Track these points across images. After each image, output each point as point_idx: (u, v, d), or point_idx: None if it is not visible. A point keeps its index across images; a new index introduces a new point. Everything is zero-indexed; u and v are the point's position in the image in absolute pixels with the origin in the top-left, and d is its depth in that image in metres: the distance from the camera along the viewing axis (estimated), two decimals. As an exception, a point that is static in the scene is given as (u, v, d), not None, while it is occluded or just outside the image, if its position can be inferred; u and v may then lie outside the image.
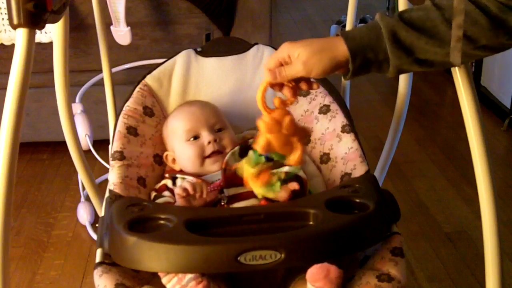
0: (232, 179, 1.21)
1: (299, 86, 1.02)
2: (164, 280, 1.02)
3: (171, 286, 1.00)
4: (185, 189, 1.13)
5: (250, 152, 1.05)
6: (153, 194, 1.25)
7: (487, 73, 2.94)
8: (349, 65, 0.96)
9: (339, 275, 0.97)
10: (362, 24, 0.99)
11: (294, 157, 1.00)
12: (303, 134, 1.03)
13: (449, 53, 0.93)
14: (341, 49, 0.95)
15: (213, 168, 1.27)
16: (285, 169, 1.08)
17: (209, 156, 1.28)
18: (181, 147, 1.30)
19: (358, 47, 0.95)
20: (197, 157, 1.28)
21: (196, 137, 1.30)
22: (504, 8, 0.91)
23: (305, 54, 0.97)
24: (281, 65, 0.99)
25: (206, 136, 1.29)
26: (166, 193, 1.24)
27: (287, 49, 0.99)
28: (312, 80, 1.05)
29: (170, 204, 1.20)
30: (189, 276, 1.00)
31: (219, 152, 1.28)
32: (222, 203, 1.19)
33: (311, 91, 1.40)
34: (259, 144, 0.99)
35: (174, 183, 1.27)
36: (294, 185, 1.09)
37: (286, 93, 1.02)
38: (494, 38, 0.92)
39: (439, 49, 0.94)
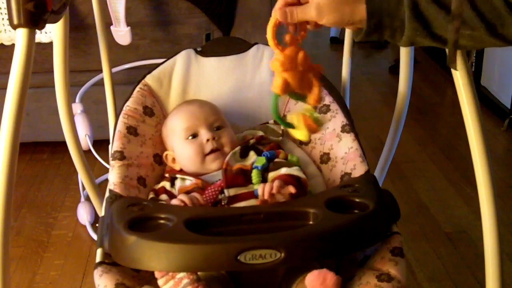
0: (233, 179, 1.22)
1: (304, 23, 0.99)
2: (160, 282, 1.03)
3: None
4: (183, 202, 1.13)
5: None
6: (151, 196, 1.25)
7: (487, 73, 2.94)
8: (363, 24, 0.93)
9: (336, 282, 0.98)
10: None
11: (313, 95, 0.97)
12: (317, 70, 0.99)
13: (465, 34, 0.90)
14: (360, 6, 0.92)
15: (213, 166, 1.27)
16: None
17: (209, 154, 1.28)
18: (180, 145, 1.30)
19: (376, 9, 0.92)
20: (196, 155, 1.28)
21: (194, 136, 1.30)
22: None
23: None
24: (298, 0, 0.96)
25: (204, 134, 1.29)
26: (164, 196, 1.23)
27: None
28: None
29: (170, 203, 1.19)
30: (186, 281, 1.00)
31: (217, 150, 1.28)
32: (223, 204, 1.19)
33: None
34: (276, 85, 0.95)
35: (173, 184, 1.27)
36: (290, 189, 1.10)
37: (291, 29, 1.00)
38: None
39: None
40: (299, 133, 1.00)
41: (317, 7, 0.93)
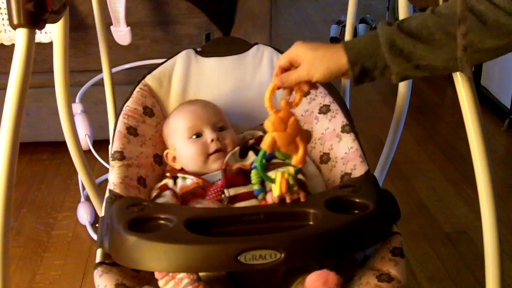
0: (233, 179, 1.22)
1: (300, 87, 1.07)
2: (160, 283, 1.03)
3: None
4: None
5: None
6: (155, 192, 1.25)
7: (487, 73, 2.94)
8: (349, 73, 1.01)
9: (338, 282, 0.98)
10: (365, 33, 1.03)
11: (297, 157, 1.06)
12: (305, 135, 1.08)
13: (448, 58, 0.95)
14: (342, 57, 1.00)
15: (214, 166, 1.28)
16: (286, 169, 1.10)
17: (212, 154, 1.28)
18: (183, 145, 1.30)
19: (357, 56, 0.99)
20: (200, 155, 1.28)
21: (198, 135, 1.30)
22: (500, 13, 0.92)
23: (309, 59, 1.02)
24: (291, 64, 1.05)
25: (209, 134, 1.29)
26: (168, 192, 1.24)
27: (297, 49, 1.04)
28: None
29: (170, 204, 1.20)
30: (186, 280, 1.00)
31: (220, 151, 1.28)
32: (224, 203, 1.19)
33: (311, 91, 1.40)
34: (266, 143, 1.04)
35: (175, 183, 1.27)
36: (302, 196, 1.09)
37: (287, 92, 1.09)
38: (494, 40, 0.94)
39: (437, 55, 0.96)
40: (274, 189, 1.06)
41: (306, 68, 1.03)
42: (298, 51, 1.04)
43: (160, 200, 1.22)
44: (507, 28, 0.92)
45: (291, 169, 1.07)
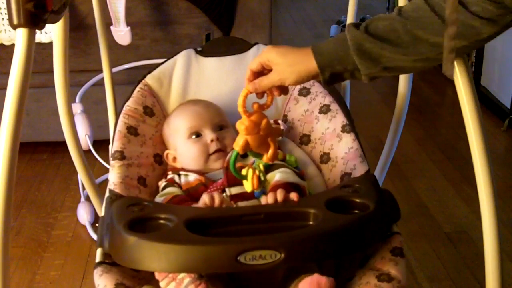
0: (234, 178, 1.21)
1: (271, 91, 1.10)
2: (162, 284, 1.03)
3: None
4: (212, 199, 1.12)
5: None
6: (163, 183, 1.25)
7: (487, 73, 2.94)
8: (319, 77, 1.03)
9: (331, 286, 0.98)
10: (333, 36, 1.04)
11: (268, 155, 1.09)
12: (276, 134, 1.12)
13: (416, 59, 0.97)
14: (312, 62, 1.02)
15: (215, 165, 1.28)
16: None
17: (212, 154, 1.28)
18: (184, 145, 1.30)
19: (326, 61, 1.01)
20: (201, 155, 1.28)
21: (198, 135, 1.30)
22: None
23: (280, 65, 1.05)
24: (263, 67, 1.07)
25: (209, 134, 1.29)
26: (176, 185, 1.25)
27: (268, 54, 1.06)
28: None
29: (178, 196, 1.20)
30: (187, 280, 1.00)
31: (221, 151, 1.29)
32: (225, 202, 1.19)
33: (311, 91, 1.41)
34: (238, 145, 1.06)
35: (179, 179, 1.27)
36: (293, 196, 1.09)
37: (259, 96, 1.12)
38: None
39: (405, 57, 0.97)
40: (247, 184, 1.10)
41: (278, 73, 1.05)
42: (269, 56, 1.06)
43: (169, 189, 1.23)
44: (476, 30, 0.93)
45: (262, 166, 1.10)
